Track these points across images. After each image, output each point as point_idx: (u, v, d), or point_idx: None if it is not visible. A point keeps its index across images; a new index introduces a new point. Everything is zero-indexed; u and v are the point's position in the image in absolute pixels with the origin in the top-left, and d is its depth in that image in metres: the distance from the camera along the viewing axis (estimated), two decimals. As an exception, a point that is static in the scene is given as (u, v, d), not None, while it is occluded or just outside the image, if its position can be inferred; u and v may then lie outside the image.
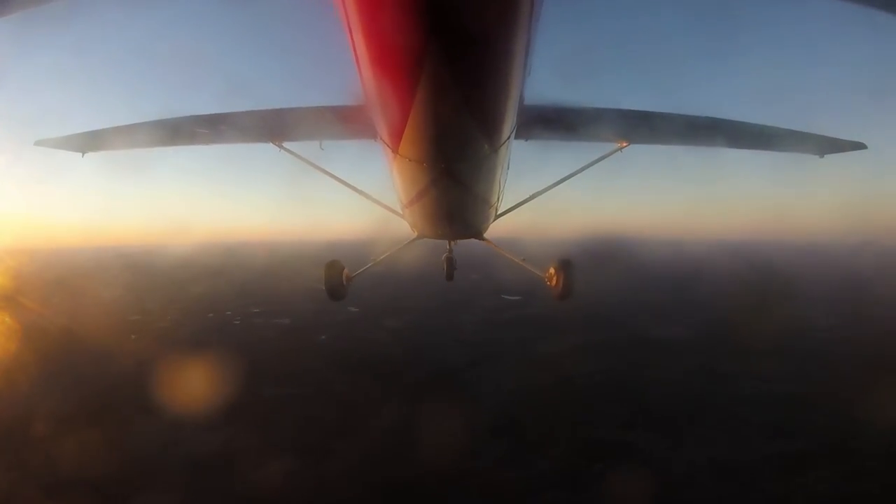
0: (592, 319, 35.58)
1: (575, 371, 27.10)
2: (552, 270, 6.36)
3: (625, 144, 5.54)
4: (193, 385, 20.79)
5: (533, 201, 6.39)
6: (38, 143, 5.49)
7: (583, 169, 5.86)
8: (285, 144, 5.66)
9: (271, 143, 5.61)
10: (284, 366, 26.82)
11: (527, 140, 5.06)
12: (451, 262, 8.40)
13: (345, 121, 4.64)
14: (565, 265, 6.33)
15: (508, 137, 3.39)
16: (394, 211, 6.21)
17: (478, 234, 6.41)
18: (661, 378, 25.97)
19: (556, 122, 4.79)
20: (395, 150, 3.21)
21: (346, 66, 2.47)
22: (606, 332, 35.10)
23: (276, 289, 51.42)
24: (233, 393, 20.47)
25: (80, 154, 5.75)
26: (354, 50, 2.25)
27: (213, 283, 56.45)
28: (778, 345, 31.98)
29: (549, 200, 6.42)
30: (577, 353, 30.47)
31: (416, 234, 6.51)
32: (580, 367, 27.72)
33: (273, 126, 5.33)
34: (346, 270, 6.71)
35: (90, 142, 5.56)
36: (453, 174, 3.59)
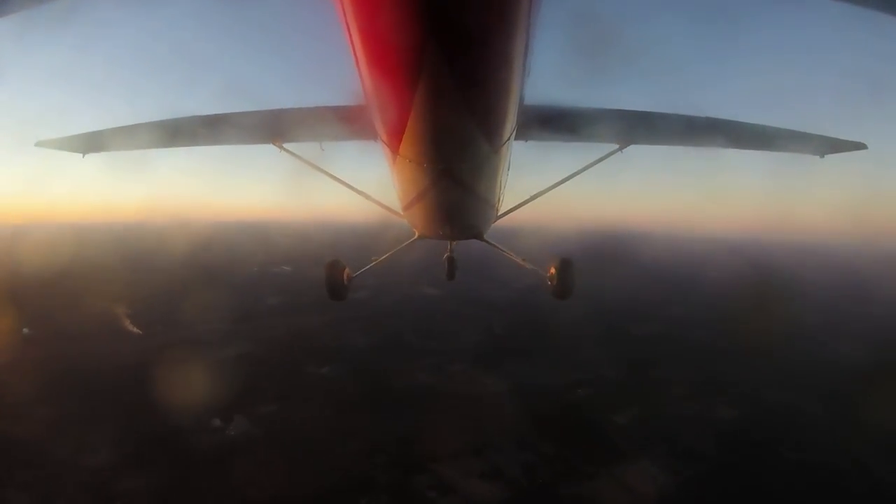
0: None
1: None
2: (552, 270, 6.40)
3: (625, 145, 5.54)
4: None
5: (533, 202, 6.39)
6: (39, 143, 5.47)
7: (583, 169, 5.85)
8: (286, 145, 5.65)
9: (272, 144, 5.60)
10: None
11: (527, 141, 5.05)
12: (451, 262, 8.43)
13: (345, 121, 4.63)
14: (565, 265, 6.38)
15: (509, 138, 3.38)
16: (394, 212, 6.21)
17: (478, 235, 6.41)
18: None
19: (556, 123, 4.77)
20: (395, 151, 3.19)
21: (346, 67, 2.47)
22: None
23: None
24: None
25: (81, 155, 5.74)
26: (354, 51, 2.25)
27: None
28: (777, 343, 31.97)
29: (550, 201, 6.42)
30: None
31: (416, 234, 6.51)
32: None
33: (273, 127, 5.31)
34: (347, 270, 6.71)
35: (91, 143, 5.55)
36: (454, 175, 3.58)
